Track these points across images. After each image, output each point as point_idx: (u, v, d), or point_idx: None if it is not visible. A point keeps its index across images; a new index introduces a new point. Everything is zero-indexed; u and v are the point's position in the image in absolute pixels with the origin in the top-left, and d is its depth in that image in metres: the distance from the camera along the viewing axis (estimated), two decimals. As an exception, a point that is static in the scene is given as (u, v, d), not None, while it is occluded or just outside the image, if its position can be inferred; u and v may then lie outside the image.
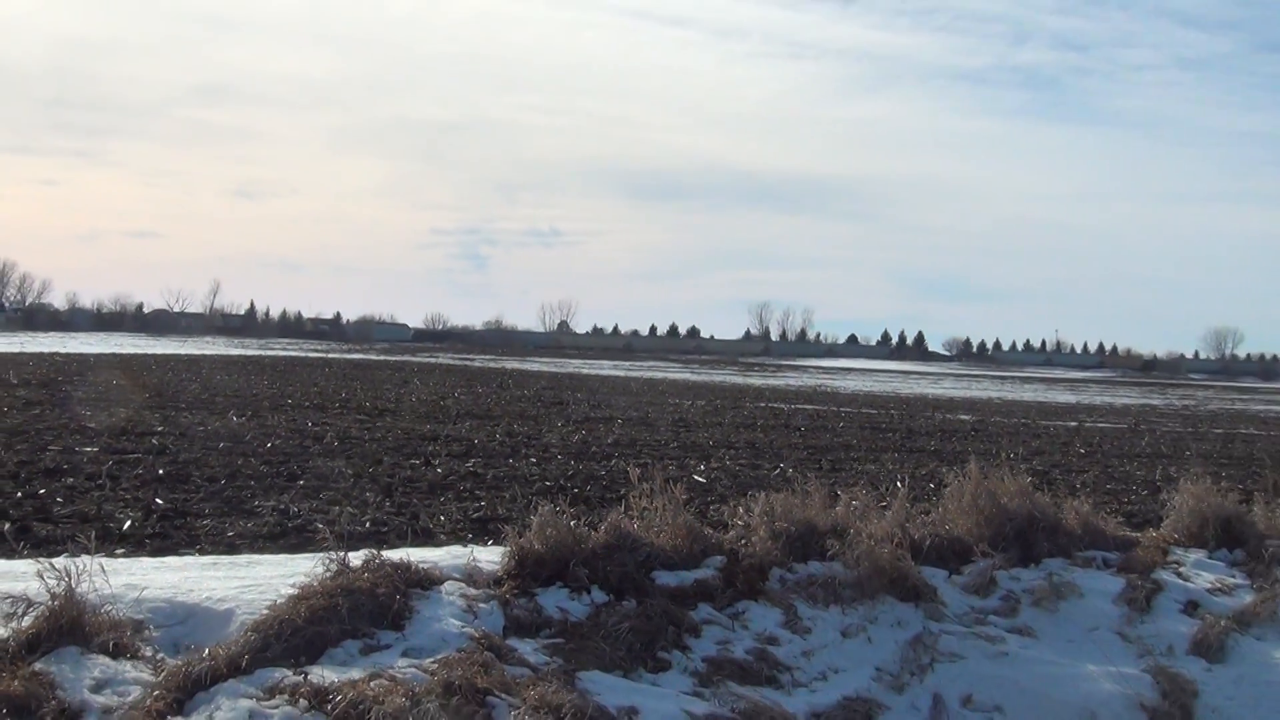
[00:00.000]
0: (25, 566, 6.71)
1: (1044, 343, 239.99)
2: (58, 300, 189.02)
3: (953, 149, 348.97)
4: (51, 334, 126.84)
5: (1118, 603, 8.70)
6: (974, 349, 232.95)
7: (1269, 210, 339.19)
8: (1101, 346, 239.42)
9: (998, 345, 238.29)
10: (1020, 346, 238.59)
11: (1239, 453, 32.50)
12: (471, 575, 7.52)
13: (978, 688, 7.38)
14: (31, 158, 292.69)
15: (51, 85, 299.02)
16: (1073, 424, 44.75)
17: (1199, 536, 10.05)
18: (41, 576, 6.25)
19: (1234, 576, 9.37)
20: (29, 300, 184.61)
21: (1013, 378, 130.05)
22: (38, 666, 5.71)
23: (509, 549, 7.81)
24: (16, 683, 5.45)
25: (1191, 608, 8.74)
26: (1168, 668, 7.82)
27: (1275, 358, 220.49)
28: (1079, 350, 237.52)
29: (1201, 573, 9.37)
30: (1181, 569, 9.40)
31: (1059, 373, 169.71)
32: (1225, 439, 39.22)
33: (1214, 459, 28.02)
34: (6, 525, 11.66)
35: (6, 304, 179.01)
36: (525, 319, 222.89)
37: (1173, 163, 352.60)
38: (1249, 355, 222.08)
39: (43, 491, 14.88)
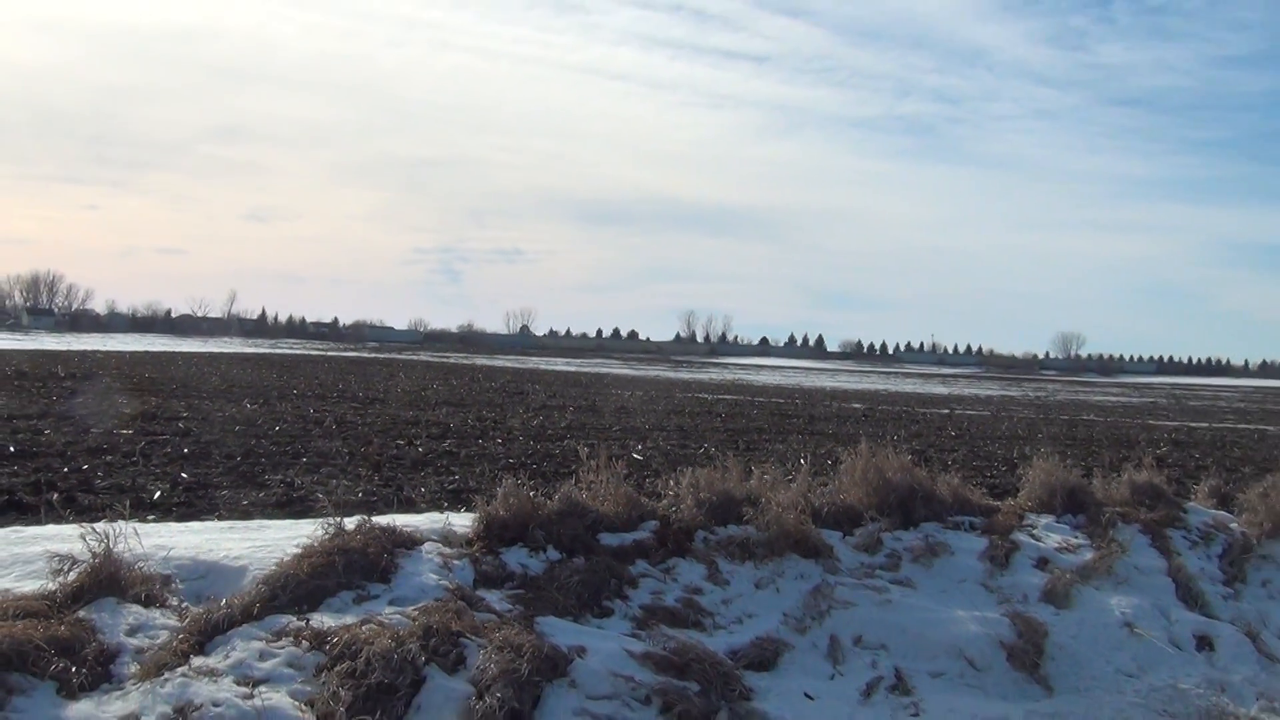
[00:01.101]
0: (70, 530, 6.71)
1: (922, 344, 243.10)
2: (99, 306, 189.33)
3: (848, 184, 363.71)
4: (93, 335, 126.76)
5: (982, 559, 8.80)
6: (864, 349, 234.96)
7: (1106, 236, 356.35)
8: (970, 347, 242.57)
9: (884, 346, 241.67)
10: (903, 347, 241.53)
11: (1081, 435, 32.91)
12: (447, 537, 7.56)
13: (867, 630, 7.45)
14: (76, 186, 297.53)
15: (93, 125, 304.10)
16: (945, 411, 45.15)
17: (1048, 504, 10.15)
18: (84, 539, 6.27)
19: (1077, 537, 9.49)
20: (74, 306, 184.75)
21: (896, 373, 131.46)
22: (81, 614, 5.73)
23: (478, 515, 7.85)
24: (63, 628, 5.47)
25: (1042, 563, 8.85)
26: (1023, 613, 7.94)
27: (1111, 357, 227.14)
28: (951, 350, 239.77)
29: (1050, 534, 9.50)
30: (1034, 531, 9.51)
31: (934, 369, 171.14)
32: (1070, 424, 39.65)
33: (1061, 440, 28.35)
34: (55, 495, 11.61)
35: (55, 309, 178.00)
36: (493, 323, 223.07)
37: (1029, 196, 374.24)
38: (1090, 355, 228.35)
39: (85, 467, 14.83)
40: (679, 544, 8.06)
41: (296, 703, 5.25)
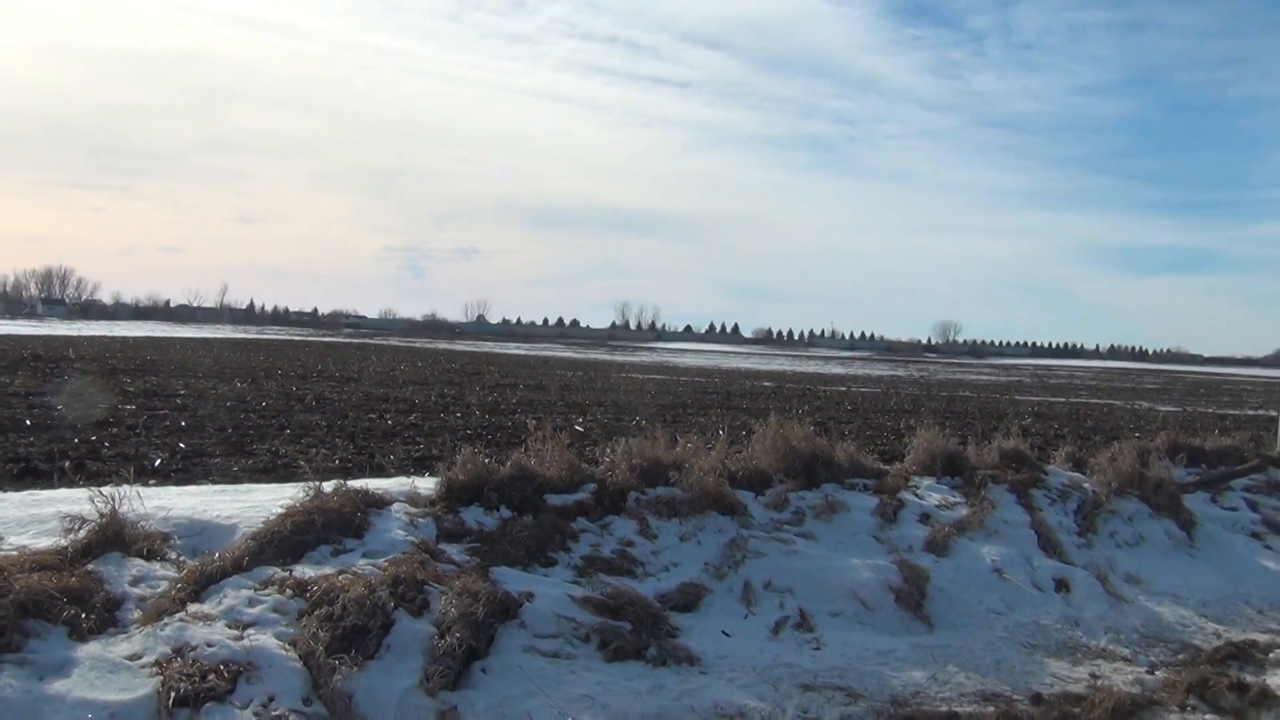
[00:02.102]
0: (80, 494, 6.62)
1: (824, 331, 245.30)
2: (105, 297, 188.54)
3: (760, 193, 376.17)
4: (100, 322, 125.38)
5: (874, 515, 8.86)
6: (774, 335, 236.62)
7: (979, 238, 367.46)
8: (864, 334, 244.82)
9: (791, 333, 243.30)
10: (807, 334, 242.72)
11: (958, 409, 33.32)
12: (413, 498, 7.52)
13: (775, 576, 7.49)
14: (84, 191, 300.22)
15: (99, 138, 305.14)
16: (842, 389, 45.55)
17: (930, 468, 10.25)
18: (92, 501, 6.19)
19: (954, 496, 9.59)
20: (83, 297, 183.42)
21: (801, 356, 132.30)
22: (90, 567, 5.67)
23: (440, 479, 7.82)
24: (74, 579, 5.40)
25: (925, 518, 8.93)
26: (909, 561, 8.01)
27: (983, 342, 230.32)
28: (848, 336, 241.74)
29: (932, 494, 9.60)
30: (918, 491, 9.60)
31: (834, 353, 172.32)
32: (949, 399, 40.13)
33: (940, 413, 28.71)
34: (66, 463, 11.54)
35: (66, 300, 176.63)
36: (453, 313, 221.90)
37: (914, 204, 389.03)
38: (965, 340, 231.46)
39: (94, 438, 14.69)
40: (614, 503, 8.08)
41: (281, 643, 5.23)
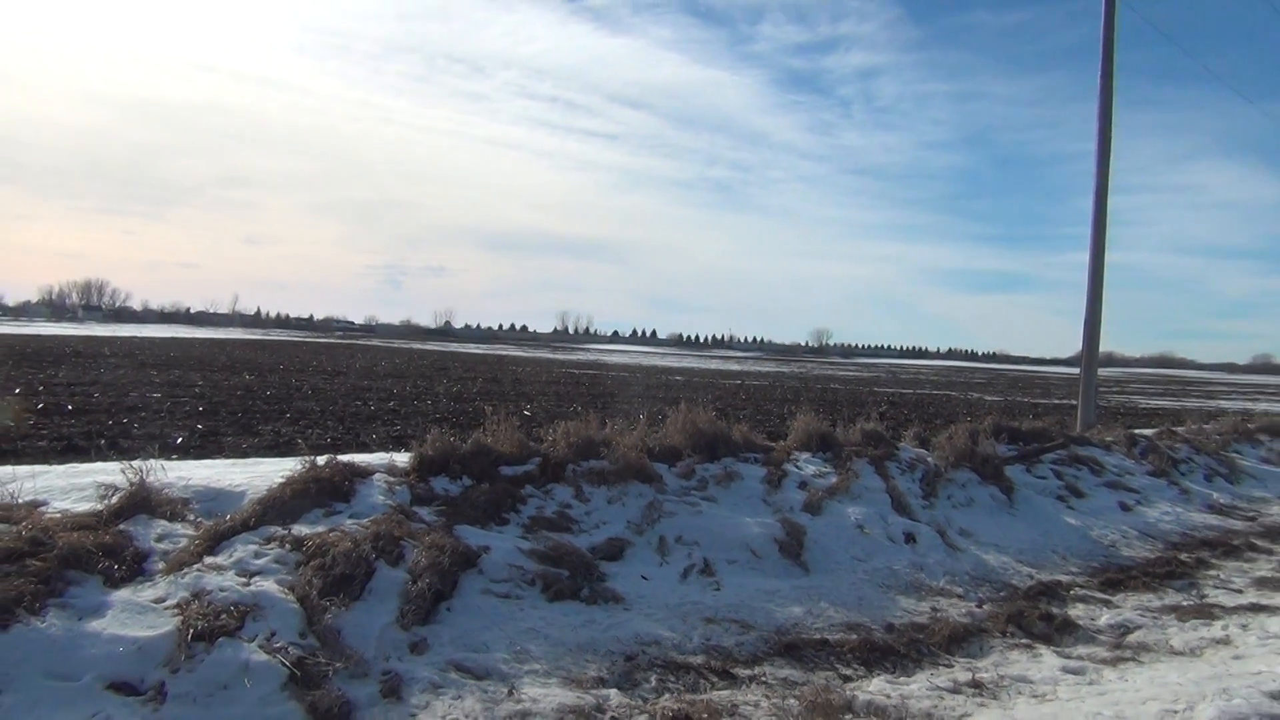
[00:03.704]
0: (114, 466, 6.44)
1: (723, 336, 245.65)
2: (135, 305, 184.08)
3: (673, 225, 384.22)
4: (130, 325, 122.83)
5: (763, 482, 8.91)
6: (684, 339, 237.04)
7: (846, 263, 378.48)
8: (755, 338, 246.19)
9: (698, 337, 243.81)
10: (711, 338, 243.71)
11: (829, 398, 33.73)
12: (391, 469, 7.43)
13: (684, 531, 7.53)
14: (117, 216, 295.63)
15: (129, 172, 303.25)
16: (738, 382, 45.89)
17: (807, 445, 10.33)
18: (124, 473, 6.05)
19: (826, 467, 9.65)
20: (117, 304, 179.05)
21: (705, 356, 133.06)
22: (121, 527, 5.53)
23: (414, 454, 7.73)
24: (108, 537, 5.27)
25: (803, 485, 8.99)
26: (790, 518, 8.08)
27: (850, 345, 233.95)
28: (742, 340, 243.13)
29: (809, 465, 9.66)
30: (798, 463, 9.66)
31: (731, 354, 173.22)
32: (822, 391, 40.61)
33: (816, 402, 28.99)
34: (102, 441, 11.31)
35: (103, 307, 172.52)
36: (425, 319, 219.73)
37: (794, 235, 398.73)
38: (835, 343, 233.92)
39: (125, 420, 14.33)
40: (555, 473, 8.05)
41: (281, 588, 5.15)
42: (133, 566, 5.16)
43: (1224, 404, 43.17)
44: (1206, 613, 7.17)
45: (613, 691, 4.88)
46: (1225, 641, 6.45)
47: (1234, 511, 11.81)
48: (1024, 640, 6.28)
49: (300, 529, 5.95)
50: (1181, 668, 5.79)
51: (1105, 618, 6.87)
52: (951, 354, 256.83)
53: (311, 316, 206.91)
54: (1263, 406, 38.92)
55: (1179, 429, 16.14)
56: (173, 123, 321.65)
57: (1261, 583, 8.33)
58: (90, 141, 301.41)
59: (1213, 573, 8.65)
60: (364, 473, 7.12)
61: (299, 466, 6.81)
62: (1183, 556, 9.16)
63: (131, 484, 5.96)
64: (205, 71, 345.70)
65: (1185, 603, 7.50)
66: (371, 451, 9.83)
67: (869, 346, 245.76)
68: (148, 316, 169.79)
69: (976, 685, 5.33)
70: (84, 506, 5.80)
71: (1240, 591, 7.99)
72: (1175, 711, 4.88)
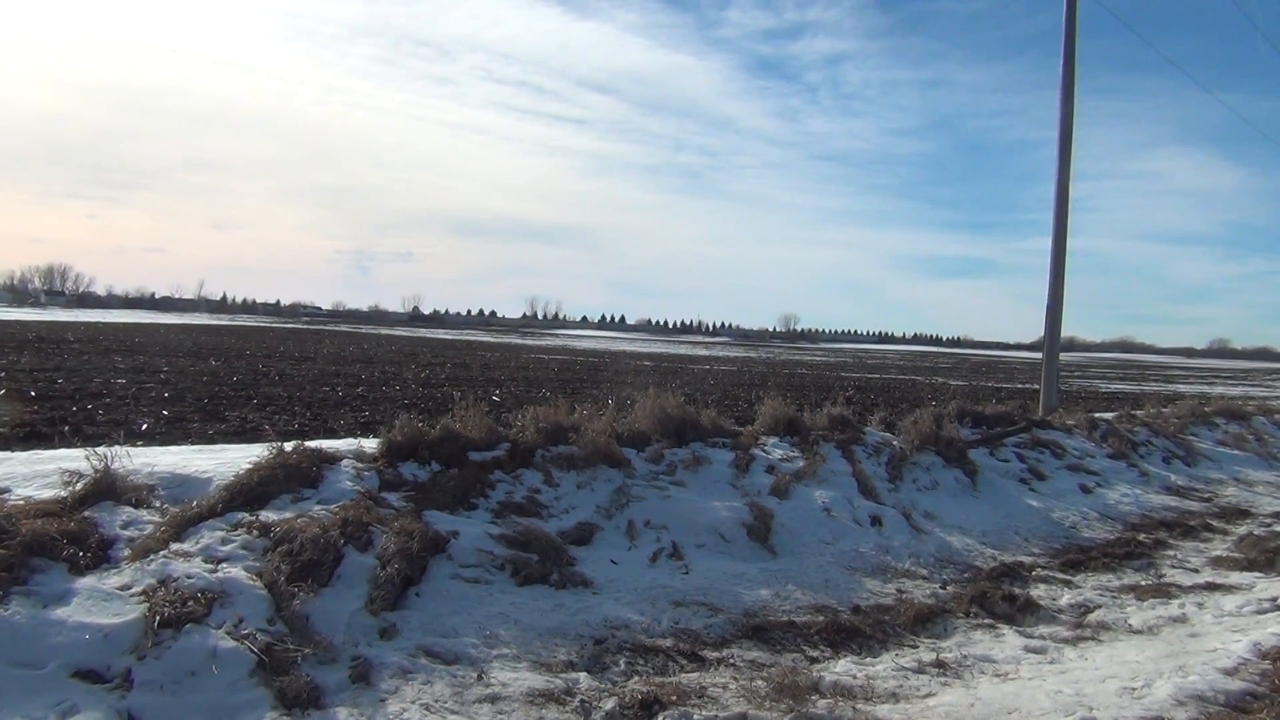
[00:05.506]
0: (78, 453, 6.35)
1: (692, 321, 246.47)
2: (99, 290, 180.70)
3: (641, 210, 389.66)
4: (95, 310, 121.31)
5: (731, 467, 8.94)
6: (653, 324, 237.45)
7: (813, 248, 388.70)
8: (723, 324, 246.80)
9: (667, 322, 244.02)
10: (679, 323, 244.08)
11: (797, 383, 33.92)
12: (360, 455, 7.39)
13: (653, 515, 7.56)
14: (80, 201, 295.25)
15: (93, 156, 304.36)
16: (706, 367, 46.04)
17: (775, 429, 10.37)
18: (88, 459, 5.96)
19: (794, 452, 9.70)
20: (80, 289, 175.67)
21: (674, 341, 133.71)
22: (86, 514, 5.46)
23: (382, 439, 7.70)
24: (72, 524, 5.21)
25: (771, 469, 9.03)
26: (758, 502, 8.13)
27: (817, 330, 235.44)
28: (711, 326, 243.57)
29: (776, 450, 9.70)
30: (766, 448, 9.70)
31: (700, 339, 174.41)
32: (790, 376, 40.85)
33: (783, 386, 29.17)
34: (66, 428, 11.15)
35: (66, 292, 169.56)
36: (392, 305, 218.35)
37: (762, 221, 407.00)
38: (803, 329, 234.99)
39: (90, 406, 14.16)
40: (524, 459, 8.04)
41: (249, 575, 5.11)
42: (98, 554, 5.10)
43: (1182, 388, 43.93)
44: (1164, 592, 7.32)
45: (582, 675, 4.90)
46: (1182, 620, 6.58)
47: (1191, 493, 12.04)
48: (987, 620, 6.37)
49: (268, 515, 5.90)
50: (1140, 646, 5.91)
51: (1066, 598, 6.99)
52: (917, 339, 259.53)
53: (279, 302, 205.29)
54: (1219, 390, 39.72)
55: (1138, 413, 16.41)
56: (137, 106, 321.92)
57: (1217, 562, 8.52)
58: (53, 125, 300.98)
59: (1170, 553, 8.82)
60: (332, 459, 7.06)
61: (266, 453, 6.74)
62: (1141, 537, 9.34)
63: (96, 470, 5.87)
64: (170, 54, 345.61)
65: (1144, 582, 7.64)
66: (340, 438, 9.76)
67: (836, 332, 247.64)
68: (112, 302, 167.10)
69: (941, 665, 5.40)
70: (48, 493, 5.72)
71: (1197, 571, 8.16)
72: (1134, 689, 4.98)
